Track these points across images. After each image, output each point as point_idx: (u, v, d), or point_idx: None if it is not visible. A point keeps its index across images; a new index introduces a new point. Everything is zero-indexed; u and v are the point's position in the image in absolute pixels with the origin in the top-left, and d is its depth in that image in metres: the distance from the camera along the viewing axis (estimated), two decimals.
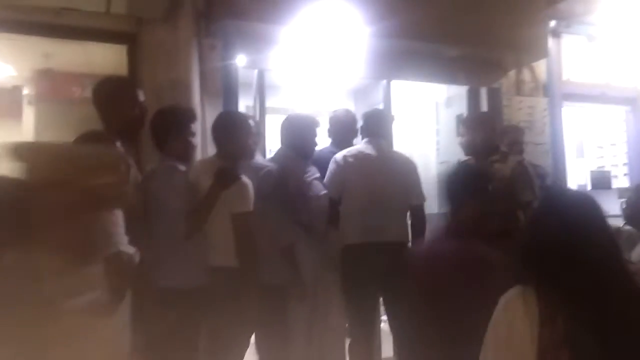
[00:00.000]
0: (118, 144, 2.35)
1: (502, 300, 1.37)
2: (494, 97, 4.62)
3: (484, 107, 4.62)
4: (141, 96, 2.54)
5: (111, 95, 2.45)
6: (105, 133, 2.37)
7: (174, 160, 2.63)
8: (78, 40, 3.65)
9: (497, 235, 2.06)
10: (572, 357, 1.23)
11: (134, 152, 2.69)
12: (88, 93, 2.67)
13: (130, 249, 2.03)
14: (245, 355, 2.74)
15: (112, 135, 2.35)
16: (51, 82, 4.67)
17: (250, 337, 2.83)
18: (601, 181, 5.40)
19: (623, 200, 5.34)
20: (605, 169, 6.12)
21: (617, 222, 5.27)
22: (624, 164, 5.89)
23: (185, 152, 2.66)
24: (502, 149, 3.34)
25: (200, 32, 3.61)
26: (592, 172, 5.75)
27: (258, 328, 2.82)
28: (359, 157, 3.22)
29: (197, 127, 2.75)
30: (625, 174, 5.85)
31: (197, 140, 2.75)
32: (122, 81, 2.73)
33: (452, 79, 4.46)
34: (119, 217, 2.04)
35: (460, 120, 4.21)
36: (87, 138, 2.20)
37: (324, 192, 3.17)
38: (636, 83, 5.42)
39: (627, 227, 3.35)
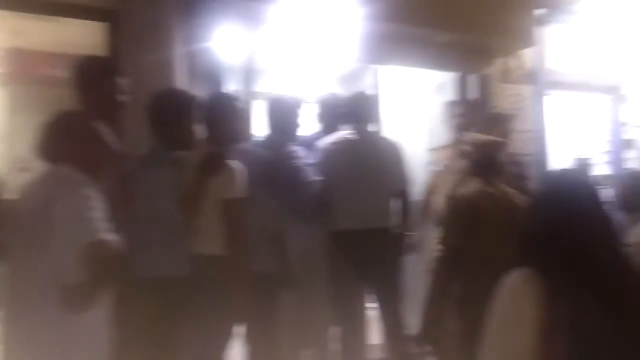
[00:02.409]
0: (97, 123, 2.21)
1: (504, 282, 1.38)
2: (484, 84, 4.58)
3: (473, 93, 4.57)
4: (122, 76, 2.42)
5: (92, 76, 2.33)
6: (80, 113, 2.24)
7: (168, 147, 2.51)
8: (51, 17, 3.44)
9: None
10: (571, 338, 1.24)
11: (115, 133, 2.54)
12: (62, 74, 2.52)
13: (113, 237, 1.91)
14: (234, 346, 2.66)
15: (88, 116, 2.21)
16: (22, 62, 4.42)
17: (236, 327, 2.73)
18: (583, 168, 5.44)
19: (606, 186, 5.46)
20: (587, 156, 6.19)
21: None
22: (605, 152, 5.97)
23: (183, 140, 2.54)
24: None
25: (185, 10, 3.43)
26: (574, 159, 5.78)
27: (248, 318, 2.71)
28: (344, 143, 3.19)
29: (194, 112, 2.61)
30: (606, 162, 5.93)
31: (195, 126, 2.62)
32: (104, 61, 2.61)
33: (441, 65, 4.42)
34: (100, 203, 1.92)
35: (453, 104, 4.18)
36: (60, 120, 2.05)
37: (314, 178, 3.09)
38: (617, 72, 5.47)
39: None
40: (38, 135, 2.01)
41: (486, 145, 3.01)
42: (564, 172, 3.12)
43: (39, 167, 2.02)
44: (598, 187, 1.50)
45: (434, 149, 4.16)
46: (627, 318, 1.28)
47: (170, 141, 2.52)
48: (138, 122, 2.59)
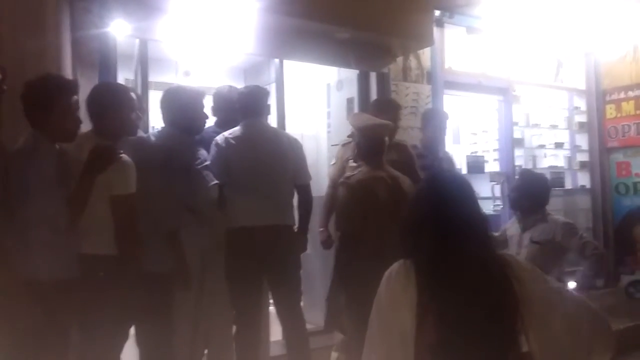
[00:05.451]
0: None
1: (387, 273, 1.49)
2: (383, 82, 4.72)
3: (373, 91, 4.70)
4: None
5: None
6: None
7: (48, 136, 2.33)
8: None
9: None
10: (439, 324, 1.36)
11: None
12: None
13: None
14: (125, 348, 2.53)
15: None
16: None
17: (129, 329, 2.62)
18: (475, 165, 5.78)
19: (494, 183, 5.85)
20: (479, 154, 6.59)
21: (487, 204, 5.77)
22: (495, 150, 6.39)
23: (63, 128, 2.35)
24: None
25: None
26: (467, 157, 6.13)
27: (138, 319, 2.61)
28: (241, 138, 3.08)
29: (76, 100, 2.44)
30: (495, 159, 6.35)
31: (78, 115, 2.44)
32: None
33: (342, 62, 4.48)
34: None
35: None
36: None
37: (215, 182, 3.00)
38: (508, 74, 5.85)
39: None
40: None
41: (370, 128, 3.10)
42: (441, 171, 3.34)
43: None
44: (469, 186, 1.60)
45: (336, 145, 4.21)
46: (489, 309, 1.39)
47: (49, 130, 2.32)
48: (18, 111, 2.40)
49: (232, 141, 3.07)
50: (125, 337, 2.56)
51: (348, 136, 3.55)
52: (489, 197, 5.84)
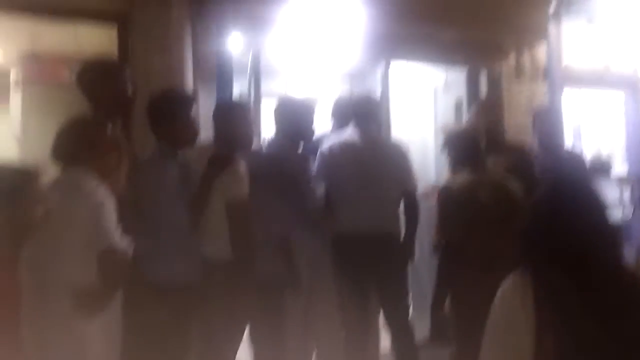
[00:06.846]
0: (109, 127, 2.25)
1: (501, 289, 1.39)
2: (494, 82, 4.52)
3: (484, 92, 4.52)
4: (128, 77, 2.45)
5: (96, 78, 2.38)
6: (93, 118, 2.28)
7: (170, 146, 2.53)
8: (66, 21, 3.51)
9: None
10: (561, 340, 1.26)
11: (125, 136, 2.58)
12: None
13: (124, 242, 1.95)
14: (241, 348, 2.68)
15: (100, 120, 2.24)
16: (39, 66, 4.52)
17: (245, 329, 2.75)
18: (600, 168, 5.32)
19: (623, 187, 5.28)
20: (604, 155, 6.06)
21: (616, 211, 5.29)
22: (622, 150, 5.84)
23: (183, 137, 2.55)
24: None
25: (194, 13, 3.48)
26: (590, 158, 5.67)
27: (253, 323, 2.74)
28: (345, 147, 3.09)
29: (195, 112, 2.63)
30: (623, 160, 5.80)
31: (198, 125, 2.63)
32: (107, 63, 2.62)
33: (451, 61, 4.36)
34: (113, 208, 1.96)
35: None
36: (74, 124, 2.10)
37: (319, 181, 3.06)
38: (635, 66, 5.35)
39: None
40: (53, 139, 2.06)
41: (462, 135, 3.00)
42: (568, 175, 3.12)
43: (54, 171, 2.07)
44: (600, 194, 1.46)
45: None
46: (615, 322, 1.27)
47: (171, 140, 2.52)
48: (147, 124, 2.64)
49: (336, 150, 3.09)
50: (241, 336, 2.69)
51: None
52: (616, 203, 5.33)
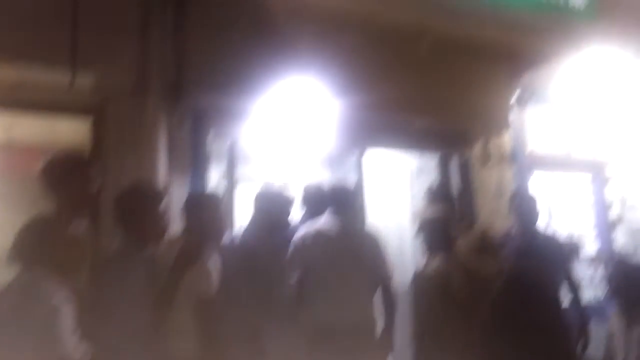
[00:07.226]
0: (72, 226, 2.19)
1: None
2: (464, 167, 4.64)
3: (455, 177, 4.63)
4: (95, 172, 2.42)
5: (60, 173, 2.32)
6: (56, 215, 2.21)
7: (138, 241, 2.47)
8: (42, 114, 3.53)
9: None
10: None
11: (91, 232, 2.51)
12: None
13: (79, 350, 1.85)
14: None
15: (63, 216, 2.19)
16: (11, 157, 4.48)
17: None
18: (572, 249, 5.38)
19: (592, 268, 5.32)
20: (574, 237, 6.14)
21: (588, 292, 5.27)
22: (592, 231, 5.93)
23: (151, 233, 2.50)
24: None
25: (169, 104, 3.54)
26: (565, 238, 5.74)
27: None
28: (318, 236, 3.08)
29: (165, 206, 2.61)
30: (593, 241, 5.88)
31: (168, 220, 2.60)
32: (72, 158, 2.50)
33: (423, 148, 4.48)
34: (70, 311, 1.87)
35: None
36: (34, 224, 2.05)
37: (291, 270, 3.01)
38: (598, 149, 5.56)
39: None
40: (12, 239, 2.00)
41: (435, 221, 3.06)
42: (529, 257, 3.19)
43: (10, 271, 1.99)
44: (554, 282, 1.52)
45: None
46: None
47: (139, 235, 2.46)
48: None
49: (310, 239, 3.07)
50: None
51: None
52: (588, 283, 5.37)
